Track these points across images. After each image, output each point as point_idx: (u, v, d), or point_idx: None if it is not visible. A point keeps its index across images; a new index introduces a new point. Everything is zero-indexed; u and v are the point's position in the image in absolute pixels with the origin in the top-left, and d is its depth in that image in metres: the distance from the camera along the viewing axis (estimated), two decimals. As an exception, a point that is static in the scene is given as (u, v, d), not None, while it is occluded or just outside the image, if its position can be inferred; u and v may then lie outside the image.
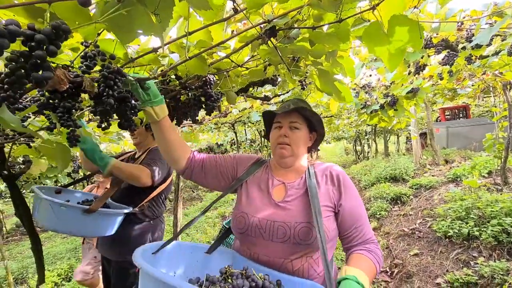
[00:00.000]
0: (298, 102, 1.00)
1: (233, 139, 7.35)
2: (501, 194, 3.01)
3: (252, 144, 10.48)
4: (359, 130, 11.60)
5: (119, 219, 1.38)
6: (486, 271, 2.15)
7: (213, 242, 1.00)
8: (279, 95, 2.12)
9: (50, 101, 0.78)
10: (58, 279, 4.07)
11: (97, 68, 0.80)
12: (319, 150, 1.14)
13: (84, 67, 0.77)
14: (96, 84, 0.80)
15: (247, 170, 1.03)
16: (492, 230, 2.46)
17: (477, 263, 2.30)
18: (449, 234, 2.79)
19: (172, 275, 0.85)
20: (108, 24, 0.60)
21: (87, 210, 1.19)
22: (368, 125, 9.52)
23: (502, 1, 1.06)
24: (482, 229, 2.57)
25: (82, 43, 0.80)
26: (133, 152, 1.78)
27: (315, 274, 0.88)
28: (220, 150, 10.41)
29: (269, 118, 1.07)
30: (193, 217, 0.95)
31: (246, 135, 7.45)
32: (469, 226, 2.69)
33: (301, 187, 0.94)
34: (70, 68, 0.79)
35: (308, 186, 0.91)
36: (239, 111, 3.26)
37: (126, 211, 1.40)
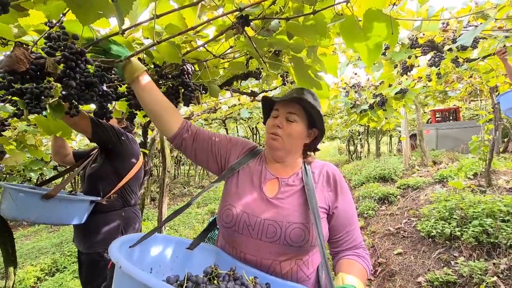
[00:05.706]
0: (301, 91, 0.91)
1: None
2: (484, 196, 3.06)
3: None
4: (352, 130, 11.68)
5: (84, 207, 1.35)
6: (465, 271, 2.18)
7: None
8: (266, 91, 2.09)
9: (12, 84, 0.75)
10: (41, 274, 3.98)
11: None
12: (319, 150, 1.05)
13: (48, 48, 0.74)
14: (60, 66, 0.76)
15: (240, 159, 0.96)
16: (473, 231, 2.50)
17: (457, 263, 2.33)
18: (432, 234, 2.82)
19: (149, 271, 0.78)
20: (66, 1, 0.57)
21: (46, 195, 1.17)
22: (361, 125, 9.59)
23: (482, 1, 1.05)
24: (464, 230, 2.61)
25: (46, 23, 0.77)
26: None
27: (304, 276, 0.83)
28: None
29: (269, 104, 0.99)
30: (177, 209, 0.88)
31: (237, 132, 7.41)
32: (452, 226, 2.73)
33: (296, 184, 0.88)
34: (32, 49, 0.76)
35: (305, 184, 0.85)
36: (229, 107, 3.23)
37: (90, 198, 1.37)
